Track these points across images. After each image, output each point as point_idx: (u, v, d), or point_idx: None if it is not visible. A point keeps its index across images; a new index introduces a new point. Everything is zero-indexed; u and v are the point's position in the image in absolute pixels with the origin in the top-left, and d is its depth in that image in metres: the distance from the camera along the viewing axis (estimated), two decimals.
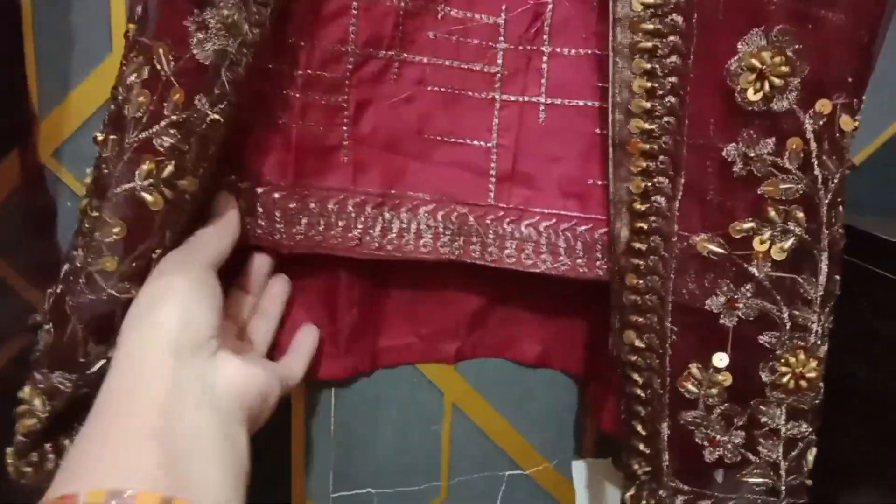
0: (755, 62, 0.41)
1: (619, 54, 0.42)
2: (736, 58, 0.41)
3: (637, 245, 0.43)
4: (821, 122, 0.41)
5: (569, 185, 0.49)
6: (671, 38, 0.42)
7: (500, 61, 0.49)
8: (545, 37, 0.49)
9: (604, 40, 0.44)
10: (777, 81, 0.41)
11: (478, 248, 0.50)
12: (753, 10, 0.41)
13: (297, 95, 0.47)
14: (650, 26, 0.41)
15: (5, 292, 0.55)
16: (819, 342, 0.43)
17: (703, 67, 0.42)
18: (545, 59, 0.49)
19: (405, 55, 0.48)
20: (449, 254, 0.50)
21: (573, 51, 0.49)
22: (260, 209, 0.47)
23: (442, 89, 0.49)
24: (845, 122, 0.42)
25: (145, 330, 0.39)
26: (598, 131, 0.48)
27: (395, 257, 0.49)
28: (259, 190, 0.47)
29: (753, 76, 0.41)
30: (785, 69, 0.41)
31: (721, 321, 0.43)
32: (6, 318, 0.55)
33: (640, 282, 0.44)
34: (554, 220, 0.49)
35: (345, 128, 0.48)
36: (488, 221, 0.50)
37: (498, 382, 0.55)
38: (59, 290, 0.42)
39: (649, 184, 0.43)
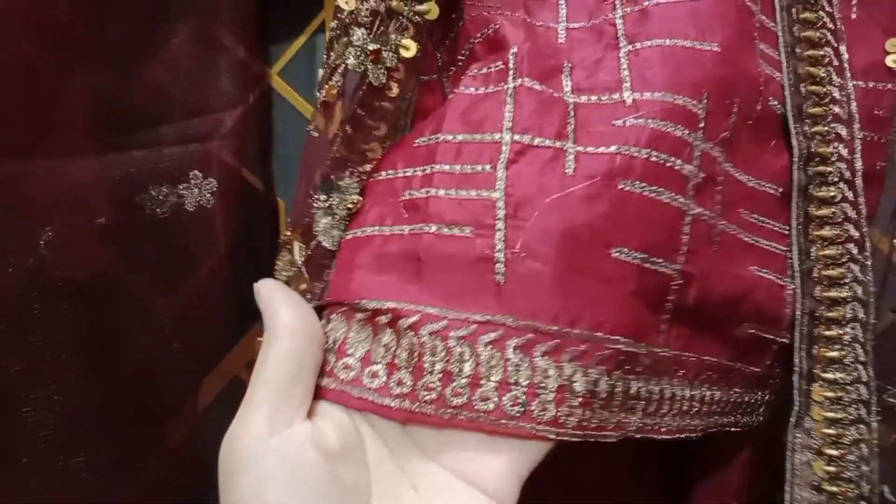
0: None
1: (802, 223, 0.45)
2: None
3: (834, 415, 0.44)
4: None
5: (723, 328, 0.43)
6: (842, 205, 0.44)
7: (696, 160, 0.40)
8: (725, 144, 0.42)
9: (760, 165, 0.44)
10: None
11: (653, 413, 0.41)
12: None
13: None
14: (821, 194, 0.44)
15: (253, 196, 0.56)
16: None
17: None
18: (722, 170, 0.42)
19: (580, 147, 0.39)
20: (630, 428, 0.39)
21: (733, 169, 0.43)
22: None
23: (634, 190, 0.38)
24: None
25: None
26: (752, 268, 0.44)
27: (571, 438, 0.36)
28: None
29: None
30: None
31: None
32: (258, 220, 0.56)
33: (842, 452, 0.44)
34: (704, 369, 0.43)
35: (498, 232, 0.37)
36: (662, 374, 0.41)
37: None
38: None
39: (843, 353, 0.45)
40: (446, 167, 0.38)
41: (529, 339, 0.36)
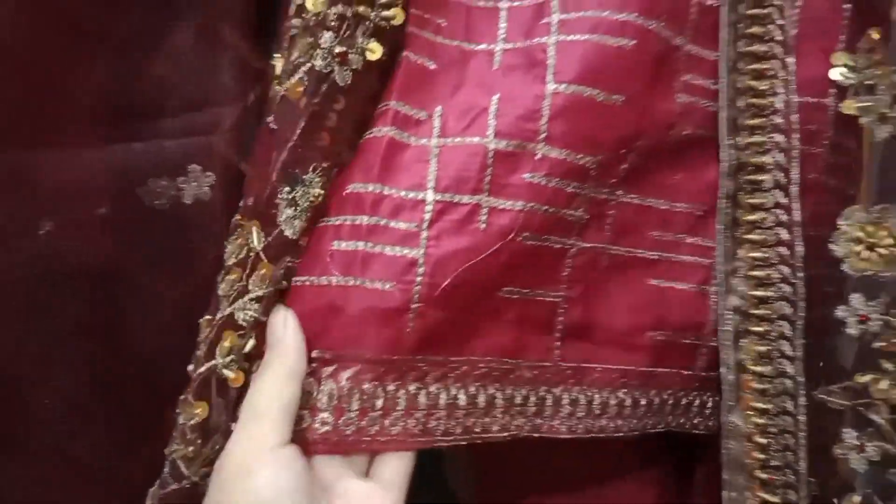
0: (860, 235, 0.47)
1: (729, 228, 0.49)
2: (839, 231, 0.47)
3: (762, 406, 0.48)
4: None
5: (628, 338, 0.49)
6: (775, 211, 0.48)
7: (583, 207, 0.46)
8: (620, 183, 0.48)
9: (673, 189, 0.50)
10: (884, 251, 0.47)
11: (549, 416, 0.47)
12: (852, 186, 0.48)
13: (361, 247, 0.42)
14: (752, 201, 0.48)
15: None
16: None
17: (808, 241, 0.48)
18: (614, 205, 0.48)
19: (495, 201, 0.43)
20: (517, 428, 0.46)
21: (637, 199, 0.49)
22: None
23: (530, 242, 0.44)
24: None
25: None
26: (652, 282, 0.50)
27: (459, 441, 0.44)
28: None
29: (860, 247, 0.47)
30: (890, 240, 0.47)
31: (851, 465, 0.48)
32: None
33: (770, 441, 0.48)
34: (617, 377, 0.49)
35: (417, 287, 0.42)
36: (554, 384, 0.47)
37: None
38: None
39: (770, 347, 0.49)
40: (373, 220, 0.43)
41: (403, 371, 0.42)
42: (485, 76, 0.45)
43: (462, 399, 0.44)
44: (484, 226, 0.43)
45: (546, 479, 0.55)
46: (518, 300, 0.45)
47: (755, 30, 0.47)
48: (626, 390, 0.49)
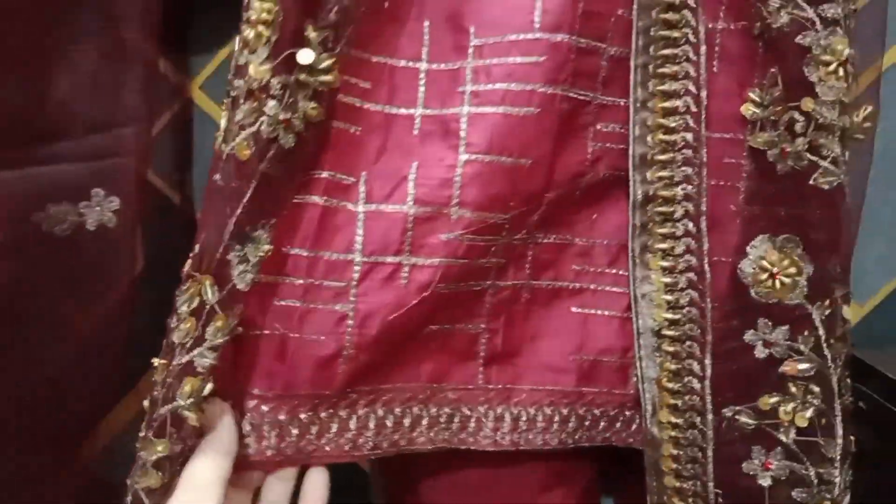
0: (766, 264, 0.49)
1: (639, 255, 0.52)
2: (747, 260, 0.50)
3: (674, 420, 0.52)
4: (826, 313, 0.49)
5: (552, 361, 0.53)
6: (685, 239, 0.51)
7: (499, 254, 0.51)
8: (536, 228, 0.52)
9: (590, 226, 0.54)
10: (787, 280, 0.49)
11: (472, 432, 0.52)
12: (760, 217, 0.50)
13: (298, 305, 0.48)
14: (662, 230, 0.51)
15: (169, 210, 0.57)
16: (841, 494, 0.50)
17: (718, 267, 0.51)
18: (532, 246, 0.53)
19: (414, 259, 0.49)
20: (443, 441, 0.52)
21: (556, 238, 0.54)
22: (248, 424, 0.47)
23: (448, 290, 0.50)
24: (846, 311, 0.49)
25: None
26: (574, 310, 0.54)
27: (390, 453, 0.51)
28: (250, 403, 0.48)
29: (766, 275, 0.50)
30: (792, 270, 0.49)
31: (759, 482, 0.51)
32: (175, 234, 0.57)
33: (681, 452, 0.52)
34: (543, 396, 0.53)
35: (348, 337, 0.48)
36: (480, 403, 0.52)
37: None
38: None
39: (680, 366, 0.52)
40: (308, 281, 0.49)
41: (334, 402, 0.49)
42: (405, 141, 0.50)
43: (389, 420, 0.51)
44: (405, 282, 0.49)
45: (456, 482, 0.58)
46: (440, 333, 0.51)
47: (667, 69, 0.50)
48: (553, 407, 0.53)
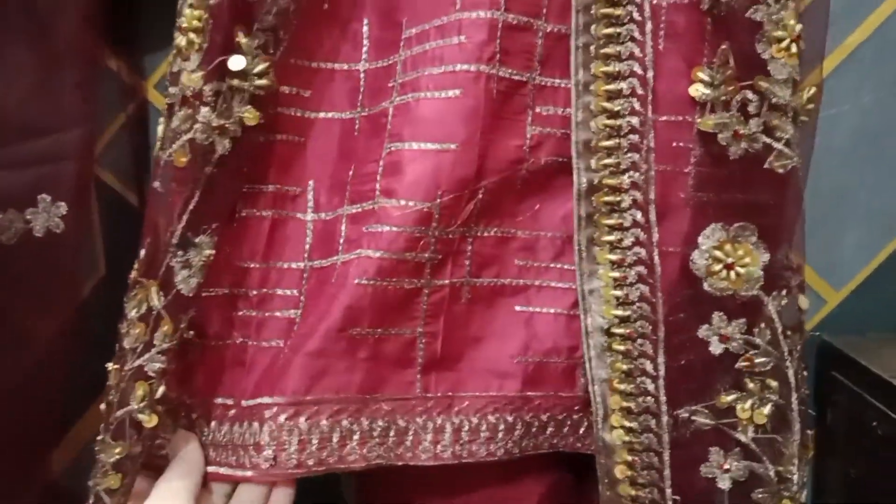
0: (720, 254, 0.47)
1: (586, 248, 0.49)
2: (699, 250, 0.47)
3: (628, 424, 0.48)
4: (783, 303, 0.46)
5: (496, 365, 0.50)
6: (633, 230, 0.48)
7: (431, 248, 0.48)
8: (474, 220, 0.50)
9: (534, 218, 0.51)
10: (742, 271, 0.46)
11: (410, 446, 0.49)
12: (712, 205, 0.47)
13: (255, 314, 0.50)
14: (609, 221, 0.48)
15: (127, 212, 0.56)
16: (799, 490, 0.48)
17: (668, 259, 0.48)
18: (471, 241, 0.50)
19: (345, 257, 0.49)
20: (378, 458, 0.48)
21: (497, 231, 0.51)
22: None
23: (374, 284, 0.48)
24: (802, 301, 0.46)
25: None
26: (518, 308, 0.51)
27: (315, 472, 0.47)
28: (216, 410, 0.48)
29: (720, 266, 0.47)
30: (748, 260, 0.46)
31: (718, 485, 0.48)
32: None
33: (636, 458, 0.49)
34: (486, 403, 0.50)
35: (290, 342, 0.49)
36: (418, 414, 0.49)
37: None
38: None
39: (632, 366, 0.49)
40: (262, 291, 0.49)
41: (278, 409, 0.47)
42: (348, 145, 0.51)
43: (314, 435, 0.47)
44: (335, 280, 0.49)
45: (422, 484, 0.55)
46: (371, 338, 0.48)
47: (610, 49, 0.47)
48: (498, 415, 0.50)
